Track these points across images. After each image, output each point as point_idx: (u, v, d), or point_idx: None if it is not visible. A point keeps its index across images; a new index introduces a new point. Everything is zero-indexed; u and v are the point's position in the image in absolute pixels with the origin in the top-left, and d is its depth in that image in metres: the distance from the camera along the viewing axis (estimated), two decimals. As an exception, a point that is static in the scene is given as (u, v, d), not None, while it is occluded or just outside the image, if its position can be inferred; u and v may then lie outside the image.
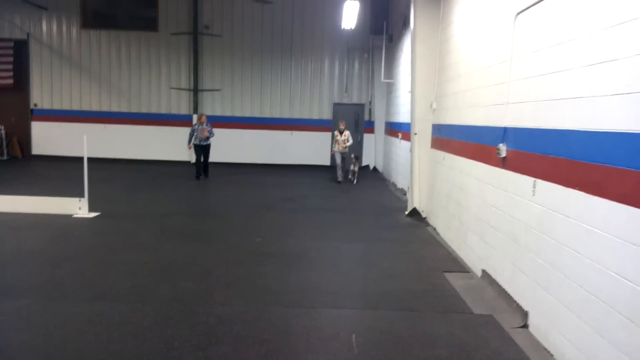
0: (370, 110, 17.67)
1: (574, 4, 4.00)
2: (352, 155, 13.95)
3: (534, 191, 4.58)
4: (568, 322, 3.85)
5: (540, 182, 4.46)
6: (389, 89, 16.06)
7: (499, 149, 5.40)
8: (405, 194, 11.33)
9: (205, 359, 3.84)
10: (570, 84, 3.98)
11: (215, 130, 14.10)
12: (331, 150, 13.73)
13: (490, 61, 5.96)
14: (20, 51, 17.66)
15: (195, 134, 13.47)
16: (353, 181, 13.67)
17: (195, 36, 17.33)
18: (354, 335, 4.34)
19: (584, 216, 3.69)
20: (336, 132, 13.64)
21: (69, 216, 8.57)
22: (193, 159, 18.20)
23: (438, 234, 8.23)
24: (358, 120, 17.80)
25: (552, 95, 4.28)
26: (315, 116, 17.85)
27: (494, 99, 5.78)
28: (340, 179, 13.61)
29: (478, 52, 6.53)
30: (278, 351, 4.01)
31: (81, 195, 8.79)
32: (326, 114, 17.84)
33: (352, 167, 13.85)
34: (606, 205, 3.40)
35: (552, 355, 4.08)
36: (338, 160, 13.61)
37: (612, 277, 3.30)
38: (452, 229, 7.47)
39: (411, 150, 9.68)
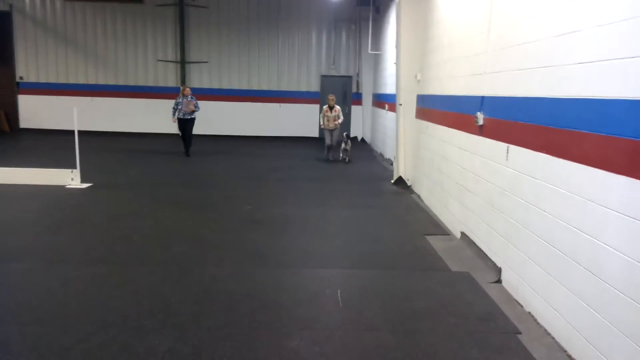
0: (357, 82, 17.81)
1: (545, -23, 4.22)
2: (344, 134, 12.80)
3: (507, 156, 4.88)
4: (535, 275, 4.20)
5: (513, 147, 4.75)
6: (377, 61, 16.19)
7: (476, 117, 5.67)
8: (392, 164, 11.62)
9: (200, 313, 4.14)
10: (539, 53, 4.23)
11: (203, 102, 14.17)
12: (321, 124, 12.51)
13: (470, 32, 6.18)
14: (3, 23, 17.43)
15: (180, 107, 12.68)
16: (346, 160, 12.48)
17: (181, 7, 17.21)
18: (339, 290, 4.66)
19: (549, 177, 4.00)
20: (325, 108, 12.42)
21: (62, 187, 8.76)
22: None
23: (422, 200, 8.56)
24: (346, 92, 17.94)
25: (524, 65, 4.53)
26: (304, 88, 17.96)
27: (473, 69, 6.02)
28: (330, 158, 12.64)
29: (459, 24, 6.73)
30: (268, 306, 4.32)
31: (73, 166, 8.96)
32: (314, 86, 17.95)
33: (343, 145, 12.59)
34: (568, 166, 3.69)
35: (521, 306, 4.44)
36: (328, 139, 12.54)
37: (573, 231, 3.62)
38: (434, 195, 7.80)
39: (396, 121, 9.92)
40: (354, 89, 17.90)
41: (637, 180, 2.91)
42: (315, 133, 17.88)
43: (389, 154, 12.91)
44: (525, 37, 4.55)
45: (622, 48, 3.09)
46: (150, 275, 4.92)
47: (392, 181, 10.05)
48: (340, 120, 12.36)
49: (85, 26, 17.59)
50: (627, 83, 3.03)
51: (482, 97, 5.63)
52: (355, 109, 17.96)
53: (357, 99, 17.87)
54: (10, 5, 17.39)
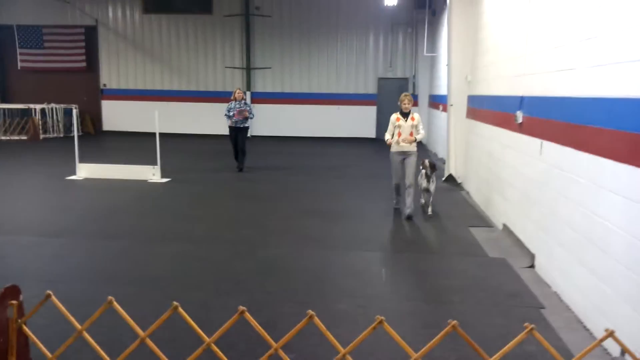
0: (414, 84, 18.25)
1: (572, -11, 4.67)
2: (426, 162, 7.67)
3: (541, 151, 5.33)
4: (561, 258, 4.65)
5: (546, 143, 5.20)
6: (432, 63, 16.57)
7: (516, 116, 6.13)
8: (444, 163, 12.04)
9: (265, 282, 4.93)
10: (567, 57, 4.68)
11: (265, 106, 15.07)
12: (386, 141, 7.46)
13: (512, 36, 6.62)
14: (90, 36, 19.35)
15: (232, 113, 11.02)
16: (427, 211, 7.62)
17: (247, 17, 18.39)
18: (383, 269, 5.31)
19: (572, 169, 4.45)
20: (395, 116, 7.42)
21: (145, 181, 9.93)
22: (249, 132, 19.27)
23: (470, 196, 9.00)
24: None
25: (555, 67, 4.98)
26: (361, 90, 18.63)
27: (514, 71, 6.46)
28: (407, 210, 7.32)
29: (503, 28, 7.17)
30: (320, 278, 5.04)
31: (154, 163, 10.12)
32: (371, 89, 18.58)
33: (422, 182, 7.73)
34: (587, 158, 4.15)
35: (549, 286, 4.89)
36: (398, 171, 7.46)
37: (588, 215, 4.07)
38: (481, 191, 8.24)
39: (447, 120, 10.38)
40: (411, 91, 18.34)
41: (635, 167, 3.36)
42: (372, 134, 18.49)
43: (441, 152, 13.30)
44: (556, 41, 5.00)
45: (629, 51, 3.55)
46: (223, 252, 5.79)
47: (443, 179, 10.51)
48: (421, 136, 7.44)
49: (160, 36, 19.18)
50: (629, 83, 3.49)
51: (522, 97, 6.08)
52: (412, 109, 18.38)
53: (414, 100, 18.27)
54: (96, 20, 19.28)
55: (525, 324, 2.37)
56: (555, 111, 4.96)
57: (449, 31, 9.85)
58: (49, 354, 2.20)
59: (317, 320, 2.48)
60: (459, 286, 4.89)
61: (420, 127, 7.40)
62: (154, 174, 10.08)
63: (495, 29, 7.72)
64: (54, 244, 5.99)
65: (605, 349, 3.64)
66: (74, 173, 10.26)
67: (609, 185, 3.75)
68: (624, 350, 2.24)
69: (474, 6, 9.22)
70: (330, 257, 5.69)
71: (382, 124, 17.61)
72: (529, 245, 5.65)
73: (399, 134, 7.33)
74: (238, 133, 11.23)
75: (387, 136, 7.48)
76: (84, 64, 19.29)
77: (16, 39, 19.26)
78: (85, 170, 10.29)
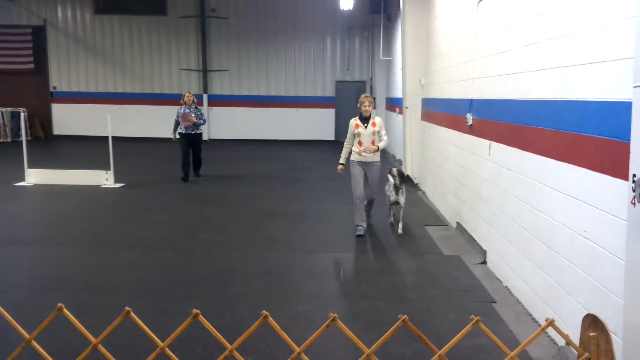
0: (371, 86, 18.52)
1: (516, -4, 4.90)
2: (391, 172, 6.85)
3: (489, 151, 5.54)
4: (510, 253, 4.85)
5: (494, 144, 5.41)
6: (389, 66, 16.87)
7: (467, 118, 6.34)
8: (401, 165, 12.27)
9: (224, 286, 4.91)
10: (511, 61, 4.90)
11: (224, 109, 14.93)
12: (338, 167, 6.73)
13: (462, 41, 6.85)
14: (38, 37, 18.64)
15: (179, 119, 9.95)
16: (398, 229, 6.64)
17: (203, 19, 18.18)
18: (342, 270, 5.38)
19: (519, 168, 4.66)
20: (354, 122, 6.54)
21: (98, 186, 9.66)
22: (205, 135, 19.03)
23: (427, 196, 9.22)
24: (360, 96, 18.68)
25: (501, 71, 5.20)
26: (319, 93, 18.75)
27: (464, 75, 6.69)
28: (361, 225, 6.52)
29: (454, 33, 7.40)
30: (281, 280, 5.06)
31: (107, 168, 9.86)
32: (329, 91, 18.73)
33: (390, 195, 6.85)
34: (531, 157, 4.35)
35: (500, 281, 5.09)
36: (359, 183, 6.50)
37: (534, 212, 4.28)
38: (436, 191, 8.46)
39: (403, 123, 10.60)
40: (368, 94, 18.59)
41: (574, 166, 3.56)
42: (330, 136, 18.64)
43: (400, 154, 13.56)
44: (501, 46, 5.22)
45: (568, 57, 3.75)
46: (180, 257, 5.72)
47: (400, 179, 10.72)
48: (383, 144, 6.51)
49: (113, 38, 18.69)
50: (568, 86, 3.70)
51: (471, 100, 6.30)
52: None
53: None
54: (45, 20, 18.60)
55: (472, 316, 2.48)
56: (501, 113, 5.17)
57: (403, 36, 10.08)
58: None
59: (271, 320, 2.50)
60: (414, 283, 5.02)
61: (383, 132, 6.50)
62: (107, 179, 9.82)
63: (446, 34, 7.96)
64: (1, 253, 5.76)
65: (552, 339, 3.82)
66: (22, 179, 9.87)
67: (551, 183, 3.95)
68: (565, 339, 2.38)
69: (427, 11, 9.48)
70: (291, 259, 5.72)
71: (341, 126, 17.82)
72: (480, 242, 5.86)
73: (360, 143, 6.43)
74: (190, 140, 10.13)
75: (348, 146, 6.56)
76: (31, 66, 18.55)
77: (-43, 39, 18.34)
78: (34, 176, 9.91)
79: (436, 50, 8.72)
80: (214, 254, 5.84)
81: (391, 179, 6.86)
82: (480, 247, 5.81)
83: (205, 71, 18.56)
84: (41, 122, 18.93)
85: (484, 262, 5.61)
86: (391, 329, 2.39)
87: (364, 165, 6.53)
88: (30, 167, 9.96)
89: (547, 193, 4.04)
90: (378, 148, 6.46)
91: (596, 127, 3.28)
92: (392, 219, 7.14)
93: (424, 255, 5.97)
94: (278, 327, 2.36)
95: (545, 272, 4.07)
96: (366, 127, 6.47)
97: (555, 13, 3.95)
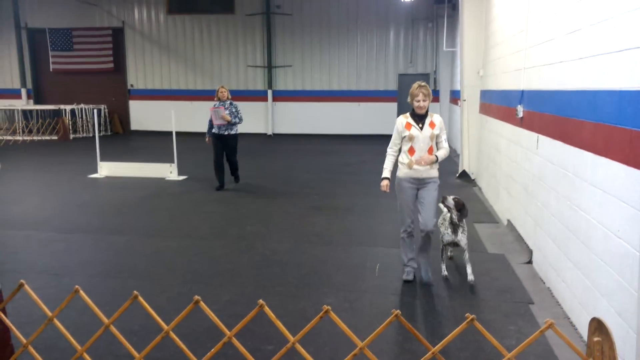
0: (435, 79, 18.07)
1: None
2: (445, 201, 4.82)
3: (537, 145, 5.27)
4: (553, 253, 4.60)
5: (541, 137, 5.14)
6: (453, 58, 16.37)
7: (517, 110, 6.06)
8: (459, 159, 11.91)
9: (259, 275, 5.06)
10: (556, 50, 4.61)
11: (287, 104, 15.16)
12: (382, 179, 4.88)
13: (515, 29, 6.53)
14: (117, 38, 19.93)
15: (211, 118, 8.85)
16: (467, 275, 4.80)
17: (268, 16, 18.57)
18: (378, 264, 5.35)
19: (561, 162, 4.40)
20: (404, 120, 4.81)
21: (163, 179, 10.22)
22: (269, 130, 19.64)
23: (482, 192, 8.90)
24: (424, 89, 18.28)
25: (547, 60, 4.91)
26: (382, 87, 18.56)
27: (516, 65, 6.38)
28: (411, 265, 4.93)
29: (508, 22, 7.07)
30: (314, 273, 5.13)
31: (172, 161, 10.39)
32: (392, 85, 18.49)
33: (445, 233, 4.91)
34: (572, 151, 4.10)
35: (543, 282, 4.85)
36: (409, 206, 4.80)
37: (575, 210, 4.03)
38: (490, 187, 8.15)
39: (460, 116, 10.28)
40: (432, 86, 18.16)
41: (610, 160, 3.32)
42: (391, 130, 18.38)
43: (460, 149, 13.15)
44: (549, 34, 4.93)
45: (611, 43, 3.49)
46: (224, 247, 5.95)
47: (457, 175, 10.42)
48: (443, 152, 4.75)
49: (185, 36, 19.58)
50: (608, 75, 3.44)
51: (522, 91, 6.00)
52: (432, 106, 18.19)
53: (435, 96, 18.09)
54: (123, 22, 19.84)
55: (467, 314, 2.41)
56: (548, 105, 4.89)
57: (461, 24, 9.75)
58: (23, 339, 2.38)
59: (267, 309, 2.58)
60: (449, 282, 4.89)
61: (444, 137, 4.72)
62: (171, 172, 10.36)
63: (502, 23, 7.62)
64: (65, 239, 6.28)
65: (583, 341, 3.60)
66: (96, 171, 10.65)
67: (589, 178, 3.70)
68: (567, 344, 2.26)
69: (486, -1, 9.11)
70: (328, 252, 5.77)
71: (402, 120, 17.54)
72: (528, 241, 5.59)
73: (411, 151, 4.67)
74: (222, 142, 8.89)
75: (388, 161, 4.83)
76: (111, 65, 19.89)
77: (48, 42, 20.02)
78: (106, 169, 10.67)
79: (493, 39, 8.37)
80: (255, 245, 6.01)
81: (445, 211, 4.92)
82: (527, 246, 5.55)
83: (270, 67, 18.97)
84: (120, 118, 20.25)
85: (530, 262, 5.36)
86: (384, 324, 2.41)
87: (417, 182, 4.72)
88: (103, 160, 10.72)
89: (585, 189, 3.80)
90: (437, 158, 4.66)
91: (631, 119, 3.04)
92: (444, 270, 4.95)
93: (466, 252, 5.78)
94: (274, 317, 2.44)
95: (582, 272, 3.83)
96: (422, 128, 4.65)
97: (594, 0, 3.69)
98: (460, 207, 4.79)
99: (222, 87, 9.24)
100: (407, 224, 4.81)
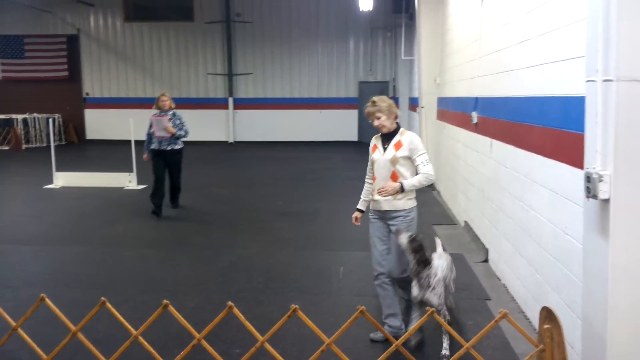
0: (394, 87, 18.47)
1: (512, -7, 4.87)
2: (400, 241, 3.61)
3: (491, 149, 5.52)
4: (507, 251, 4.83)
5: (495, 142, 5.39)
6: (411, 66, 16.79)
7: (472, 116, 6.31)
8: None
9: (225, 282, 5.07)
10: (508, 59, 4.87)
11: (249, 112, 15.13)
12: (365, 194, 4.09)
13: (469, 39, 6.82)
14: (72, 45, 19.42)
15: (152, 130, 7.56)
16: (445, 355, 3.43)
17: (228, 24, 18.55)
18: (342, 267, 5.46)
19: (514, 165, 4.63)
20: (373, 141, 3.94)
21: (121, 188, 10.03)
22: (230, 138, 19.50)
23: (440, 196, 9.18)
24: (383, 96, 18.68)
25: (499, 68, 5.17)
26: (342, 94, 18.83)
27: (470, 73, 6.66)
28: (390, 323, 3.88)
29: (463, 31, 7.37)
30: (280, 277, 5.18)
31: (130, 170, 10.21)
32: (352, 92, 18.78)
33: (412, 288, 3.60)
34: (523, 154, 4.33)
35: (499, 279, 5.07)
36: (377, 245, 3.98)
37: (526, 210, 4.25)
38: (448, 190, 8.42)
39: (419, 123, 10.57)
40: (391, 94, 18.56)
41: (559, 162, 3.54)
42: (354, 137, 18.69)
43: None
44: (501, 44, 5.19)
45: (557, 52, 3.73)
46: (188, 255, 5.92)
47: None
48: (417, 180, 3.75)
49: (142, 44, 19.29)
50: (555, 82, 3.67)
51: (476, 98, 6.27)
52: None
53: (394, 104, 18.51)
54: (78, 29, 19.36)
55: (427, 308, 2.53)
56: (500, 111, 5.14)
57: (419, 34, 10.06)
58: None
59: (236, 310, 2.63)
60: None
61: (420, 159, 3.75)
62: (130, 181, 10.18)
63: (458, 32, 7.93)
64: (22, 250, 6.09)
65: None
66: (51, 182, 10.35)
67: (539, 179, 3.93)
68: (520, 332, 2.41)
69: (441, 9, 9.43)
70: (294, 257, 5.84)
71: (363, 128, 17.85)
72: (484, 241, 5.83)
73: (375, 178, 3.89)
74: (165, 159, 7.61)
75: (363, 190, 4.12)
76: (66, 73, 19.35)
77: (-2, 49, 19.32)
78: (62, 179, 10.38)
79: (448, 48, 8.68)
80: (221, 252, 6.01)
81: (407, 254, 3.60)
82: (483, 246, 5.78)
83: (230, 75, 18.92)
84: (75, 127, 19.70)
85: (486, 260, 5.58)
86: (350, 320, 2.51)
87: (381, 215, 3.91)
88: (58, 170, 10.42)
89: (535, 189, 4.02)
90: (402, 187, 3.68)
91: (575, 123, 3.26)
92: (412, 339, 3.59)
93: (427, 253, 5.96)
94: (242, 317, 2.50)
95: (534, 268, 4.04)
96: (385, 149, 3.81)
97: (543, 11, 3.94)
98: (417, 249, 3.52)
99: (164, 94, 7.76)
100: (375, 266, 3.92)
